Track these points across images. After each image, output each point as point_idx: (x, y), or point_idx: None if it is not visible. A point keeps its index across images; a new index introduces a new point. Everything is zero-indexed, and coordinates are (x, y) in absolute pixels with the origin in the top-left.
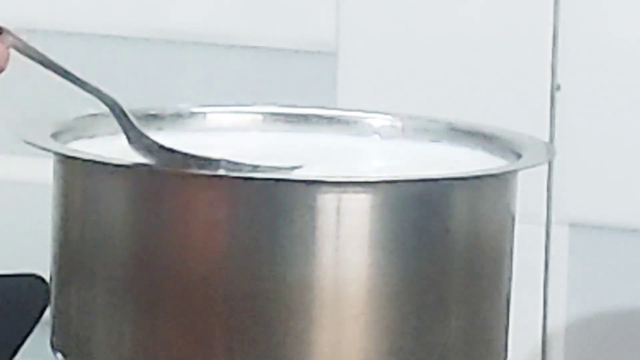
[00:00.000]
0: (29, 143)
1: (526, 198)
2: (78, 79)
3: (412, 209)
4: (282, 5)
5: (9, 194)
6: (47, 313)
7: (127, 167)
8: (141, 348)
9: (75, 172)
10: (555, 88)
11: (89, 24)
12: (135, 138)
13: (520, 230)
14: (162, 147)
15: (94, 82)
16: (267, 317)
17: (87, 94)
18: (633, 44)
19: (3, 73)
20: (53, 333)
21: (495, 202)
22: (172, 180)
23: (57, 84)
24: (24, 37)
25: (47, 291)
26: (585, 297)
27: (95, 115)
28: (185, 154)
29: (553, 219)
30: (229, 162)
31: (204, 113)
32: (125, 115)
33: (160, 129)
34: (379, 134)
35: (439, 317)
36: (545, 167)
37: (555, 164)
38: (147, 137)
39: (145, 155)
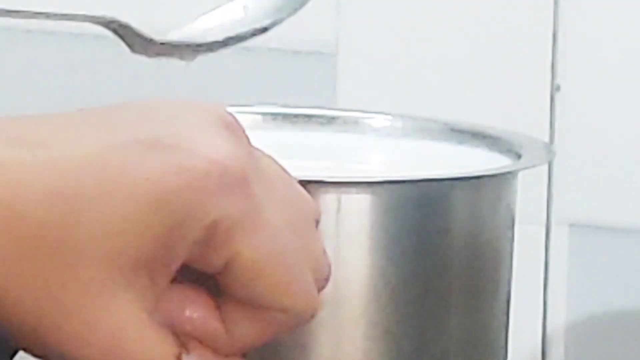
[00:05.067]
0: None
1: (526, 198)
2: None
3: (412, 209)
4: None
5: None
6: None
7: None
8: None
9: None
10: (555, 88)
11: (89, 24)
12: (141, 47)
13: (520, 230)
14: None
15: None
16: None
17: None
18: (633, 44)
19: None
20: None
21: (495, 202)
22: None
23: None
24: None
25: None
26: (585, 297)
27: None
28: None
29: (553, 219)
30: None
31: None
32: (128, 27)
33: None
34: (379, 134)
35: (439, 318)
36: (545, 167)
37: (555, 164)
38: (152, 40)
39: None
